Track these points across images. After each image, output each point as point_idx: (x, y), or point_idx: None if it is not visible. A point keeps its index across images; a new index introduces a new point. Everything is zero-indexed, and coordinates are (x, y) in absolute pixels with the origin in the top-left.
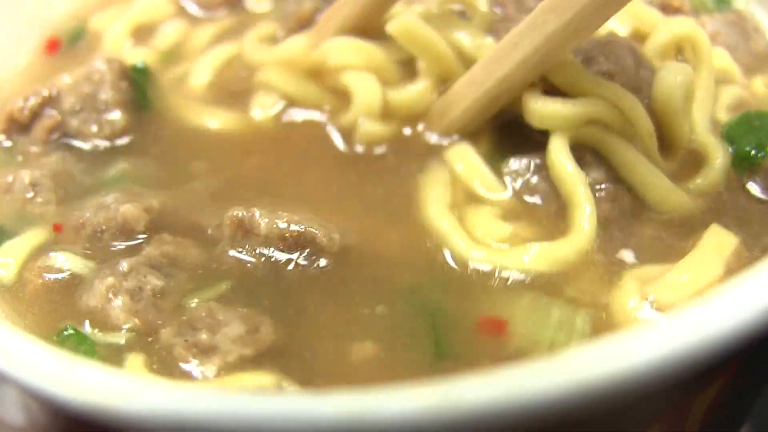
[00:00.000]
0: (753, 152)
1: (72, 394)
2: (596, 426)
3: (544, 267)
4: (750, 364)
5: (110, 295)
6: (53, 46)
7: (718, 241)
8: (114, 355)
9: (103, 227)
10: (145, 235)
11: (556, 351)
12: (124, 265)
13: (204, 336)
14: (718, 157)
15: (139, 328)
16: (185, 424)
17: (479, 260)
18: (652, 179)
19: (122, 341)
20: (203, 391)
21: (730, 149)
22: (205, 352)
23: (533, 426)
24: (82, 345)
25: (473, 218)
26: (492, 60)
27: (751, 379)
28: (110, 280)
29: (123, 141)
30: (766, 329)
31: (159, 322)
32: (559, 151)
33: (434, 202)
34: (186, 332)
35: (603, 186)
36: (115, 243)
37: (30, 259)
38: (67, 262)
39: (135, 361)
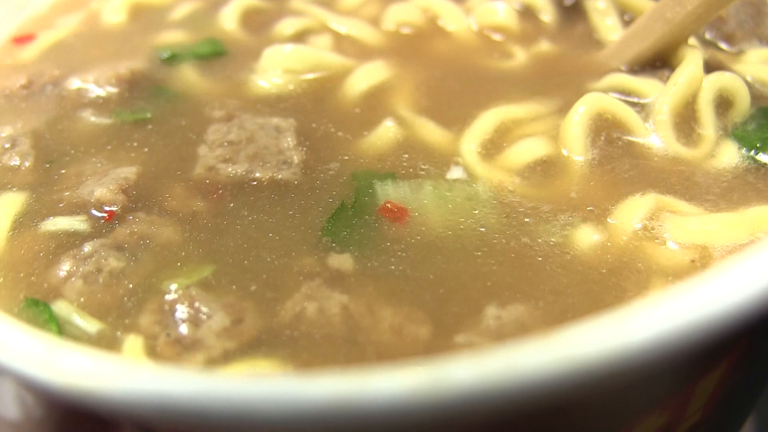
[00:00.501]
0: None
1: (54, 377)
2: (591, 411)
3: None
4: (756, 348)
5: (68, 279)
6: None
7: (759, 217)
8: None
9: (80, 205)
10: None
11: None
12: (85, 249)
13: (186, 330)
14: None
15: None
16: (170, 407)
17: None
18: None
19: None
20: (189, 374)
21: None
22: (188, 348)
23: (525, 407)
24: (40, 316)
25: None
26: None
27: (757, 364)
28: (68, 264)
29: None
30: None
31: (121, 303)
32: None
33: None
34: (168, 323)
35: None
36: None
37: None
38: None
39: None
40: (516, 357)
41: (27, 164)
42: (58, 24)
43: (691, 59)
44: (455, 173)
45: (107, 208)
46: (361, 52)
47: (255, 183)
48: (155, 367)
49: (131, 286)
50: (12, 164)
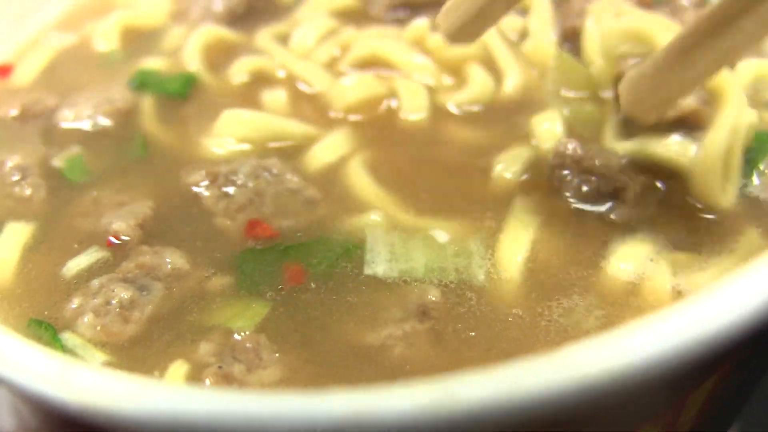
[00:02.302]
0: None
1: (68, 395)
2: (590, 425)
3: None
4: (744, 360)
5: (79, 314)
6: (4, 71)
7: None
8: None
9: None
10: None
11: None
12: (94, 284)
13: (238, 371)
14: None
15: (107, 342)
16: (185, 425)
17: None
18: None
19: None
20: (202, 392)
21: None
22: (230, 383)
23: (528, 424)
24: (44, 336)
25: None
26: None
27: (743, 376)
28: (77, 300)
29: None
30: (764, 325)
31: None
32: None
33: None
34: (225, 359)
35: None
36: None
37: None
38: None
39: None
40: (524, 375)
41: (40, 194)
42: (50, 47)
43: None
44: None
45: (124, 238)
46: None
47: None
48: (169, 386)
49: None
50: (25, 194)
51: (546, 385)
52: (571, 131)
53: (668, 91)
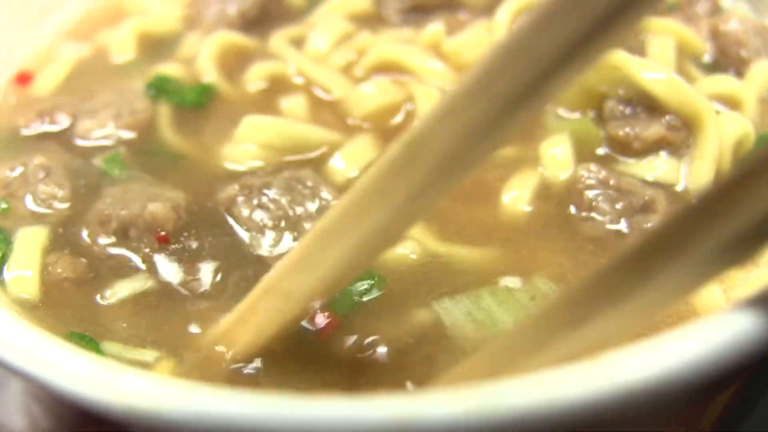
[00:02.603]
0: None
1: (113, 399)
2: (622, 428)
3: None
4: (763, 370)
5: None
6: (24, 78)
7: None
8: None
9: (130, 223)
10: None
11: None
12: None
13: None
14: None
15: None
16: (227, 428)
17: None
18: None
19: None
20: (245, 395)
21: None
22: None
23: (567, 430)
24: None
25: None
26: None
27: (761, 383)
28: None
29: None
30: None
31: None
32: None
33: None
34: None
35: None
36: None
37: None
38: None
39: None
40: (564, 383)
41: (62, 192)
42: (67, 57)
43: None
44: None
45: (159, 232)
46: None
47: None
48: (214, 389)
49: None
50: (51, 191)
51: (586, 393)
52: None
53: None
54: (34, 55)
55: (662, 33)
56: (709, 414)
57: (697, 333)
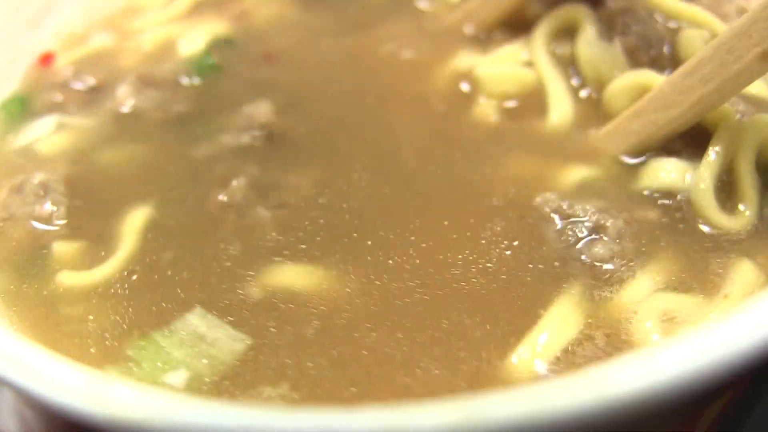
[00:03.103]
0: None
1: (98, 409)
2: None
3: None
4: (756, 378)
5: None
6: (47, 59)
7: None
8: None
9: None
10: None
11: None
12: None
13: None
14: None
15: None
16: None
17: None
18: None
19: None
20: (232, 407)
21: None
22: None
23: None
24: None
25: None
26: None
27: (754, 390)
28: None
29: None
30: None
31: None
32: None
33: None
34: None
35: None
36: None
37: None
38: None
39: None
40: (551, 395)
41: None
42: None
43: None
44: None
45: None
46: None
47: None
48: (199, 401)
49: None
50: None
51: (574, 405)
52: None
53: (663, 120)
54: (58, 38)
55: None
56: (702, 422)
57: (686, 345)
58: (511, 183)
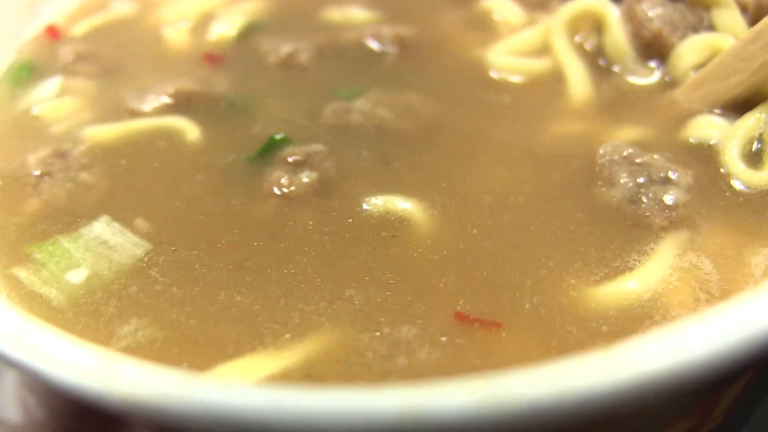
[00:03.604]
0: None
1: (111, 389)
2: (634, 419)
3: None
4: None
5: None
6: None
7: None
8: None
9: None
10: None
11: None
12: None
13: None
14: None
15: None
16: (232, 420)
17: None
18: None
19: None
20: (251, 387)
21: None
22: None
23: (578, 422)
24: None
25: None
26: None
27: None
28: None
29: None
30: None
31: None
32: None
33: None
34: None
35: None
36: None
37: None
38: None
39: None
40: (579, 373)
41: None
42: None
43: None
44: None
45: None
46: None
47: None
48: (216, 381)
49: None
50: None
51: (600, 384)
52: None
53: (723, 89)
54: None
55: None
56: (718, 408)
57: (714, 323)
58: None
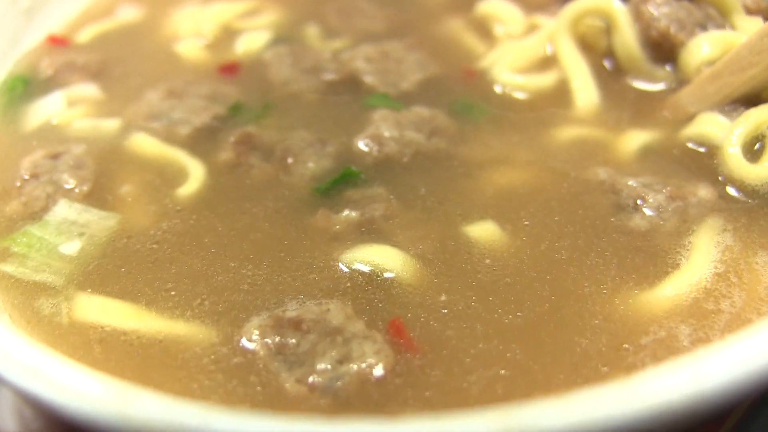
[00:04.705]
0: None
1: (127, 424)
2: None
3: None
4: None
5: None
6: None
7: None
8: None
9: None
10: None
11: None
12: None
13: None
14: None
15: None
16: None
17: None
18: None
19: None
20: (268, 418)
21: None
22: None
23: None
24: None
25: None
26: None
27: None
28: None
29: None
30: None
31: None
32: None
33: None
34: None
35: None
36: None
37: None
38: None
39: None
40: (601, 403)
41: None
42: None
43: None
44: None
45: None
46: None
47: None
48: (232, 412)
49: None
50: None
51: (623, 413)
52: None
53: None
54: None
55: None
56: (727, 423)
57: (733, 350)
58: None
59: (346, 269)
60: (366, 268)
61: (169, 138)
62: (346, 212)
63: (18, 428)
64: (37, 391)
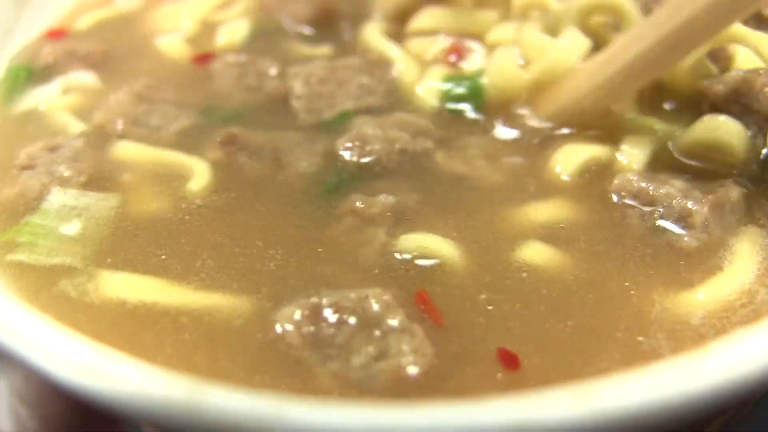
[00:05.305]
0: None
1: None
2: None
3: None
4: None
5: None
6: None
7: None
8: None
9: None
10: None
11: None
12: None
13: None
14: None
15: None
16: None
17: None
18: None
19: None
20: (312, 404)
21: None
22: None
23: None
24: None
25: None
26: (612, 53)
27: None
28: None
29: None
30: None
31: None
32: None
33: None
34: None
35: None
36: None
37: None
38: None
39: None
40: (683, 378)
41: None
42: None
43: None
44: None
45: None
46: None
47: None
48: (224, 385)
49: None
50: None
51: (686, 393)
52: None
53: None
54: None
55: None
56: (718, 420)
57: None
58: None
59: (384, 257)
60: (408, 257)
61: (156, 143)
62: (381, 197)
63: (14, 427)
64: (26, 355)
